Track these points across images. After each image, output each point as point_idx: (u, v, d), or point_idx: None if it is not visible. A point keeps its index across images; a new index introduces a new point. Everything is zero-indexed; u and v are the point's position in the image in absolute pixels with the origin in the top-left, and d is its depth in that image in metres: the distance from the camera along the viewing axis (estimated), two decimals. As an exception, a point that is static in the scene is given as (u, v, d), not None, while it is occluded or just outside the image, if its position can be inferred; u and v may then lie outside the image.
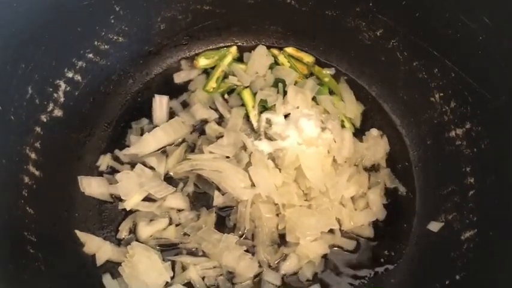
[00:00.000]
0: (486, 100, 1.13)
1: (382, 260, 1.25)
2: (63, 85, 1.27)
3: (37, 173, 1.20)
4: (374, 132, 1.39)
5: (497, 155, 1.10)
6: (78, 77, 1.31)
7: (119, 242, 1.26)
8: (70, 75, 1.29)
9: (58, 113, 1.27)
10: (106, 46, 1.35)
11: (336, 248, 1.25)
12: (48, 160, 1.24)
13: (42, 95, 1.22)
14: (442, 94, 1.28)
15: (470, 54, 1.15)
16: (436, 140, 1.31)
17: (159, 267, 1.18)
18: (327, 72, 1.49)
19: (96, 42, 1.32)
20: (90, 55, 1.32)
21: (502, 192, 1.06)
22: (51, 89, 1.25)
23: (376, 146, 1.36)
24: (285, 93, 1.39)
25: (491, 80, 1.11)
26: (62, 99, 1.28)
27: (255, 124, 1.37)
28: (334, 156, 1.30)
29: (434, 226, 1.22)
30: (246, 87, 1.43)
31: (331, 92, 1.45)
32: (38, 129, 1.22)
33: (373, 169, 1.36)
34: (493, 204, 1.09)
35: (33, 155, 1.20)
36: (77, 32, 1.25)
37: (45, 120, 1.24)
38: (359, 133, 1.39)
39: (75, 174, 1.30)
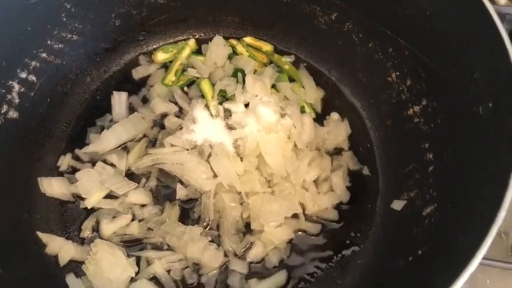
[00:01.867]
0: (438, 75, 1.13)
1: (348, 241, 1.25)
2: (16, 86, 1.25)
3: (-6, 175, 1.18)
4: (334, 116, 1.39)
5: (451, 128, 1.10)
6: (32, 78, 1.29)
7: (82, 241, 1.24)
8: (23, 75, 1.27)
9: (13, 114, 1.25)
10: (60, 45, 1.34)
11: (300, 233, 1.25)
12: (6, 163, 1.22)
13: (-6, 96, 1.20)
14: (398, 73, 1.28)
15: (420, 30, 1.15)
16: (395, 120, 1.32)
17: (123, 263, 1.17)
18: (287, 59, 1.49)
19: (49, 42, 1.31)
20: (44, 54, 1.30)
21: (458, 165, 1.07)
22: (4, 90, 1.22)
23: (337, 129, 1.36)
24: (244, 82, 1.39)
25: (441, 54, 1.12)
26: (16, 100, 1.26)
27: (214, 115, 1.36)
28: (294, 142, 1.29)
29: (398, 204, 1.22)
30: (205, 78, 1.42)
31: (291, 79, 1.45)
32: (-7, 131, 1.20)
33: (335, 153, 1.36)
34: (450, 177, 1.09)
35: (-11, 158, 1.18)
36: (27, 32, 1.23)
37: (-1, 122, 1.22)
38: (321, 118, 1.39)
39: (35, 176, 1.28)
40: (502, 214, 0.81)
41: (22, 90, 1.27)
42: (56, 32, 1.31)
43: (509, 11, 1.50)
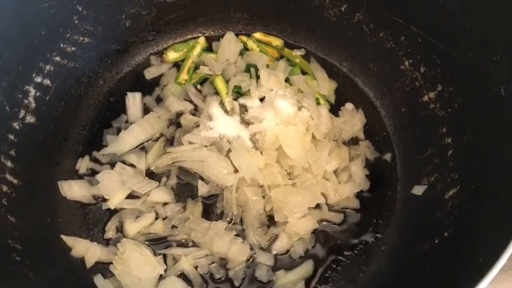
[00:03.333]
0: (454, 60, 1.15)
1: (370, 229, 1.26)
2: (32, 90, 1.25)
3: (15, 181, 1.18)
4: (349, 106, 1.41)
5: (470, 111, 1.12)
6: (47, 82, 1.29)
7: (107, 243, 1.24)
8: (39, 80, 1.27)
9: (30, 119, 1.25)
10: (73, 48, 1.34)
11: (324, 223, 1.26)
12: (25, 167, 1.22)
13: (11, 101, 1.20)
14: (411, 61, 1.30)
15: (433, 16, 1.17)
16: (410, 107, 1.34)
17: (151, 261, 1.17)
18: (297, 53, 1.50)
19: (62, 45, 1.31)
20: (57, 58, 1.31)
21: (478, 146, 1.09)
22: (20, 95, 1.22)
23: (353, 119, 1.38)
24: (257, 77, 1.40)
25: (456, 39, 1.13)
26: (33, 105, 1.26)
27: (229, 111, 1.36)
28: (312, 133, 1.30)
29: (418, 190, 1.24)
30: (218, 75, 1.42)
31: (303, 72, 1.46)
32: (12, 136, 1.20)
33: (352, 142, 1.37)
34: (471, 159, 1.11)
35: (9, 163, 1.17)
36: (41, 35, 1.24)
37: (17, 127, 1.22)
38: (335, 109, 1.41)
39: (55, 180, 1.28)
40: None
41: (38, 94, 1.27)
42: (68, 35, 1.31)
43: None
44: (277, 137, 1.27)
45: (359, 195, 1.29)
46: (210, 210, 1.27)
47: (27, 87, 1.24)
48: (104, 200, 1.26)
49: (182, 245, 1.23)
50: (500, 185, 0.97)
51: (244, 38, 1.50)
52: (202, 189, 1.27)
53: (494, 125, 1.03)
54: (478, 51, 1.07)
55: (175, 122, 1.38)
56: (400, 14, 1.26)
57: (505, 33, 0.98)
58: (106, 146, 1.33)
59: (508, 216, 0.88)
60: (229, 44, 1.45)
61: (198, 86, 1.44)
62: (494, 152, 1.02)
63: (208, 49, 1.50)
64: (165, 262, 1.20)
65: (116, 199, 1.25)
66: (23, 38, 1.19)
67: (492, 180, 1.01)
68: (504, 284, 1.28)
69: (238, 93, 1.39)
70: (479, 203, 1.03)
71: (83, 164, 1.32)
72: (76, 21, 1.31)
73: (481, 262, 0.83)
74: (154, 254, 1.20)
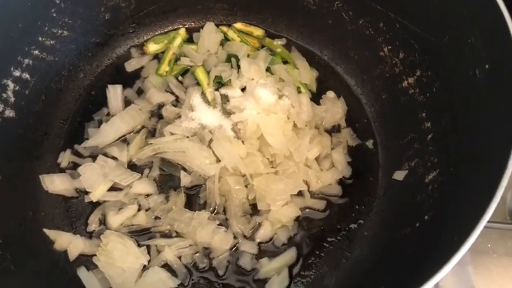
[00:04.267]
0: (431, 44, 1.16)
1: (353, 215, 1.27)
2: (11, 84, 1.24)
3: (-5, 175, 1.17)
4: (330, 94, 1.41)
5: (448, 94, 1.13)
6: (26, 75, 1.28)
7: (90, 235, 1.23)
8: (17, 74, 1.26)
9: (10, 113, 1.24)
10: (51, 41, 1.33)
11: (307, 210, 1.27)
12: (6, 162, 1.21)
13: (-10, 96, 1.19)
14: (390, 47, 1.30)
15: (410, 2, 1.18)
16: (390, 93, 1.34)
17: (135, 252, 1.17)
18: (278, 43, 1.50)
19: (40, 38, 1.29)
20: (36, 52, 1.29)
21: (456, 129, 1.10)
22: (-1, 90, 1.22)
23: (334, 107, 1.39)
24: (238, 67, 1.40)
25: (434, 23, 1.14)
26: (12, 99, 1.25)
27: (211, 101, 1.36)
28: (294, 121, 1.31)
29: (399, 175, 1.25)
30: (199, 66, 1.42)
31: (284, 62, 1.46)
32: (-9, 131, 1.19)
33: (334, 130, 1.38)
34: (449, 142, 1.11)
35: (-11, 158, 1.17)
36: (18, 29, 1.22)
37: (-3, 122, 1.21)
38: (316, 97, 1.41)
39: (37, 174, 1.27)
40: (508, 174, 0.84)
41: (17, 88, 1.26)
42: (46, 28, 1.30)
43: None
44: (258, 126, 1.27)
45: (341, 182, 1.30)
46: (193, 200, 1.27)
47: (5, 81, 1.23)
48: (87, 192, 1.25)
49: (165, 235, 1.23)
50: (478, 169, 0.98)
51: (224, 29, 1.50)
52: (185, 179, 1.27)
53: (471, 107, 1.04)
54: (453, 34, 1.08)
55: (157, 113, 1.38)
56: (378, 0, 1.26)
57: (478, 15, 0.99)
58: (87, 139, 1.33)
59: (485, 202, 0.89)
60: (210, 34, 1.45)
61: (179, 77, 1.44)
62: (471, 134, 1.03)
63: (189, 40, 1.50)
64: (149, 253, 1.20)
65: (98, 192, 1.24)
66: (-1, 31, 1.18)
67: (470, 165, 1.02)
68: (490, 268, 1.30)
69: (219, 83, 1.39)
70: (457, 187, 1.04)
71: (65, 158, 1.32)
72: (54, 14, 1.30)
73: (456, 240, 0.83)
74: (138, 245, 1.20)
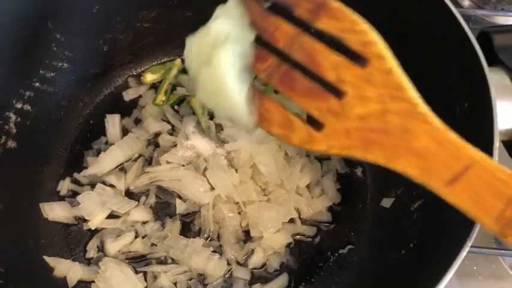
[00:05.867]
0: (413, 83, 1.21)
1: (343, 241, 1.31)
2: (13, 116, 1.29)
3: (-2, 205, 1.22)
4: (320, 123, 1.46)
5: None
6: (27, 107, 1.33)
7: (88, 262, 1.27)
8: (19, 105, 1.31)
9: (11, 144, 1.29)
10: (52, 73, 1.38)
11: (298, 236, 1.31)
12: (7, 191, 1.25)
13: (-8, 128, 1.24)
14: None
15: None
16: (378, 123, 1.39)
17: (132, 279, 1.21)
18: (271, 72, 1.55)
19: (41, 71, 1.35)
20: (37, 84, 1.35)
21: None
22: (1, 122, 1.26)
23: (325, 135, 1.44)
24: (232, 97, 1.45)
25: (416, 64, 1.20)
26: (14, 131, 1.29)
27: (205, 130, 1.41)
28: (285, 150, 1.36)
29: (387, 202, 1.30)
30: (195, 95, 1.48)
31: (276, 92, 1.51)
32: (-7, 162, 1.24)
33: (323, 158, 1.42)
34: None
35: (-9, 188, 1.21)
36: (20, 63, 1.28)
37: (-1, 153, 1.26)
38: (307, 126, 1.46)
39: (37, 202, 1.31)
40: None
41: (18, 120, 1.31)
42: (47, 61, 1.35)
43: (474, 12, 1.61)
44: (251, 155, 1.32)
45: (331, 209, 1.35)
46: (188, 227, 1.31)
47: (7, 113, 1.28)
48: (85, 220, 1.30)
49: (161, 262, 1.27)
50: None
51: (219, 59, 1.55)
52: (180, 207, 1.31)
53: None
54: (433, 75, 1.13)
55: (153, 142, 1.43)
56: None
57: (456, 59, 1.05)
58: (86, 167, 1.37)
59: (467, 229, 0.94)
60: (204, 65, 1.50)
61: (176, 107, 1.49)
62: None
63: (185, 70, 1.55)
64: (145, 279, 1.24)
65: (96, 219, 1.29)
66: (3, 66, 1.23)
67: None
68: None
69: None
70: (441, 216, 1.09)
71: (64, 186, 1.36)
72: (55, 48, 1.35)
73: (440, 269, 0.88)
74: (135, 272, 1.24)
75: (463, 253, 0.89)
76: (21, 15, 1.23)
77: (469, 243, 0.90)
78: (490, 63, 1.04)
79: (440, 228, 1.06)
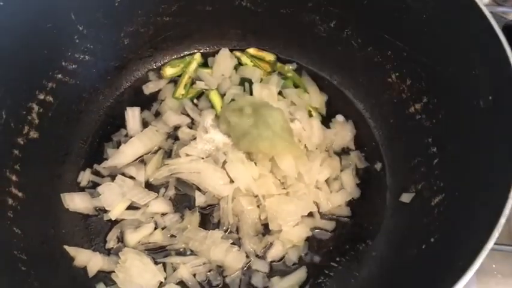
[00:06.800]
0: (437, 73, 1.21)
1: (361, 235, 1.31)
2: (36, 107, 1.30)
3: (20, 194, 1.22)
4: (339, 118, 1.47)
5: (453, 122, 1.18)
6: (50, 98, 1.35)
7: (108, 252, 1.29)
8: (42, 97, 1.32)
9: (34, 134, 1.30)
10: (74, 66, 1.39)
11: (317, 230, 1.31)
12: (29, 181, 1.27)
13: (16, 118, 1.25)
14: (397, 74, 1.36)
15: (418, 33, 1.23)
16: (398, 118, 1.39)
17: (152, 269, 1.22)
18: (289, 67, 1.56)
19: (63, 63, 1.36)
20: (59, 76, 1.36)
21: (462, 156, 1.14)
22: (24, 112, 1.28)
23: (343, 130, 1.44)
24: (251, 91, 1.45)
25: (439, 54, 1.19)
26: (36, 121, 1.31)
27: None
28: (305, 144, 1.36)
29: (406, 197, 1.29)
30: (214, 89, 1.48)
31: (295, 86, 1.52)
32: (16, 152, 1.24)
33: (343, 152, 1.43)
34: (455, 168, 1.16)
35: (14, 177, 1.22)
36: (43, 55, 1.29)
37: (22, 142, 1.26)
38: (326, 121, 1.46)
39: (58, 192, 1.33)
40: (510, 202, 0.88)
41: (41, 111, 1.32)
42: (69, 54, 1.37)
43: (494, 9, 1.60)
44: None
45: (350, 203, 1.35)
46: (207, 219, 1.32)
47: (30, 104, 1.29)
48: (105, 211, 1.31)
49: (181, 253, 1.28)
50: (483, 194, 1.02)
51: (238, 53, 1.56)
52: (200, 199, 1.32)
53: (474, 134, 1.09)
54: (458, 65, 1.13)
55: (173, 135, 1.44)
56: (386, 30, 1.32)
57: (482, 52, 1.04)
58: (107, 159, 1.39)
59: (490, 226, 0.93)
60: (224, 59, 1.51)
61: (195, 100, 1.50)
62: (475, 160, 1.08)
63: (204, 64, 1.56)
64: (165, 270, 1.25)
65: (116, 210, 1.30)
66: (27, 58, 1.24)
67: (475, 189, 1.06)
68: (491, 286, 1.34)
69: (233, 106, 1.45)
70: (463, 211, 1.08)
71: (85, 177, 1.38)
72: (77, 41, 1.37)
73: (461, 265, 0.88)
74: (155, 263, 1.25)
75: (486, 250, 0.88)
76: (45, 6, 1.24)
77: (492, 241, 0.89)
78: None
79: (462, 223, 1.06)
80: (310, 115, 1.44)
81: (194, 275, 1.25)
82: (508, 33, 1.10)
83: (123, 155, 1.37)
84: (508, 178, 0.91)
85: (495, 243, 1.24)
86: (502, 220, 0.87)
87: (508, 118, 0.97)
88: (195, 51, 1.58)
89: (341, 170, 1.38)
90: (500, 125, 1.00)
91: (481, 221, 0.96)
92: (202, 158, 1.36)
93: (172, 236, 1.29)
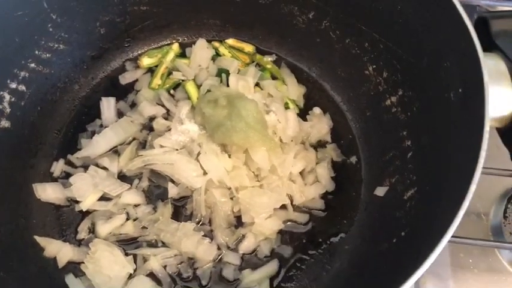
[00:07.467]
0: (411, 65, 1.20)
1: (335, 229, 1.31)
2: (7, 96, 1.29)
3: (-11, 184, 1.22)
4: (317, 110, 1.45)
5: (427, 115, 1.17)
6: (22, 87, 1.33)
7: (79, 243, 1.27)
8: (14, 86, 1.30)
9: (5, 124, 1.29)
10: (47, 54, 1.38)
11: (290, 223, 1.30)
12: (0, 171, 1.26)
13: (-14, 107, 1.24)
14: (374, 66, 1.34)
15: (393, 24, 1.22)
16: (374, 111, 1.38)
17: (121, 261, 1.21)
18: (268, 59, 1.54)
19: (36, 52, 1.34)
20: (32, 65, 1.34)
21: (434, 150, 1.13)
22: (-5, 101, 1.27)
23: (320, 123, 1.43)
24: (228, 82, 1.44)
25: (413, 46, 1.18)
26: (8, 110, 1.29)
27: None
28: (280, 137, 1.35)
29: (380, 191, 1.29)
30: (190, 80, 1.47)
31: (274, 77, 1.50)
32: (-14, 141, 1.24)
33: (319, 145, 1.42)
34: (427, 161, 1.15)
35: (-17, 167, 1.21)
36: (15, 43, 1.27)
37: (-8, 132, 1.26)
38: (303, 113, 1.45)
39: (30, 183, 1.31)
40: (472, 189, 0.87)
41: (13, 100, 1.30)
42: (43, 42, 1.35)
43: (478, 2, 1.58)
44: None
45: (324, 197, 1.34)
46: (180, 211, 1.31)
47: (1, 93, 1.27)
48: (77, 202, 1.29)
49: (152, 245, 1.27)
50: (451, 187, 1.01)
51: (216, 44, 1.54)
52: (172, 191, 1.31)
53: (445, 128, 1.08)
54: (430, 57, 1.12)
55: (148, 126, 1.42)
56: (363, 21, 1.30)
57: (453, 43, 1.03)
58: (81, 149, 1.37)
59: (452, 216, 0.92)
60: (201, 49, 1.50)
61: (171, 91, 1.48)
62: (445, 154, 1.07)
63: (182, 55, 1.54)
64: (135, 262, 1.24)
65: (88, 201, 1.28)
66: (-4, 46, 1.23)
67: (445, 183, 1.05)
68: (471, 284, 1.33)
69: (208, 97, 1.43)
70: (432, 204, 1.07)
71: (58, 167, 1.36)
72: (50, 29, 1.35)
73: (423, 256, 0.87)
74: (125, 254, 1.24)
75: (445, 241, 0.87)
76: (16, -6, 1.23)
77: (450, 233, 0.88)
78: (487, 49, 1.02)
79: (431, 216, 1.05)
80: (288, 107, 1.43)
81: (165, 267, 1.24)
82: (482, 25, 1.10)
83: (96, 146, 1.35)
84: (472, 170, 0.90)
85: (470, 238, 1.25)
86: (461, 213, 0.85)
87: (476, 111, 0.96)
88: (173, 41, 1.57)
89: (317, 163, 1.37)
90: (469, 117, 0.98)
91: (446, 213, 0.95)
92: (177, 150, 1.34)
93: (143, 227, 1.28)
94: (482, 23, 1.09)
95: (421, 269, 0.84)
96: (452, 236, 0.87)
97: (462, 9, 1.00)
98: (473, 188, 0.86)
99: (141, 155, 1.34)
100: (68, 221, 1.30)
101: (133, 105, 1.46)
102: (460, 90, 1.01)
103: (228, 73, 1.46)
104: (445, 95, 1.06)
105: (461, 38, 0.99)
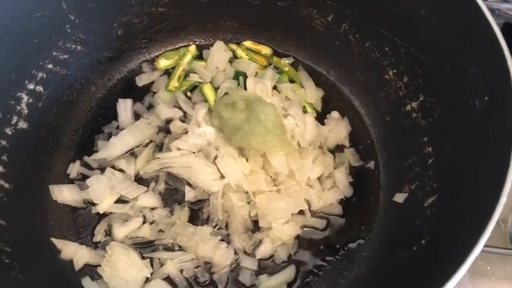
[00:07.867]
0: (434, 71, 1.18)
1: (353, 235, 1.29)
2: (25, 97, 1.29)
3: (6, 185, 1.21)
4: (335, 114, 1.44)
5: (449, 121, 1.15)
6: (40, 88, 1.33)
7: (95, 246, 1.27)
8: (31, 87, 1.30)
9: (23, 125, 1.29)
10: (65, 55, 1.37)
11: (307, 228, 1.29)
12: (17, 172, 1.25)
13: (4, 108, 1.23)
14: (395, 71, 1.33)
15: (416, 29, 1.20)
16: (394, 116, 1.37)
17: (138, 264, 1.20)
18: (286, 61, 1.53)
19: (54, 53, 1.34)
20: (50, 65, 1.34)
21: (457, 157, 1.11)
22: (13, 102, 1.26)
23: (338, 127, 1.41)
24: (246, 85, 1.43)
25: (436, 52, 1.17)
26: (25, 111, 1.29)
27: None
28: (298, 141, 1.34)
29: (400, 197, 1.27)
30: (207, 83, 1.46)
31: (291, 81, 1.49)
32: (4, 142, 1.23)
33: (337, 150, 1.40)
34: (449, 169, 1.13)
35: (0, 168, 1.21)
36: (33, 44, 1.27)
37: (10, 133, 1.25)
38: (321, 117, 1.44)
39: (46, 184, 1.31)
40: (503, 201, 0.85)
41: (30, 101, 1.30)
42: (61, 43, 1.35)
43: (499, 6, 1.56)
44: (262, 145, 1.30)
45: (342, 202, 1.33)
46: (197, 215, 1.30)
47: (19, 94, 1.27)
48: (94, 204, 1.29)
49: (168, 249, 1.26)
50: (476, 196, 1.00)
51: (234, 46, 1.53)
52: (189, 194, 1.30)
53: (469, 135, 1.06)
54: (455, 64, 1.10)
55: (164, 128, 1.42)
56: (384, 25, 1.29)
57: (479, 50, 1.01)
58: (97, 151, 1.36)
59: (481, 227, 0.91)
60: (219, 52, 1.49)
61: (188, 93, 1.48)
62: (469, 162, 1.05)
63: (199, 57, 1.53)
64: (152, 265, 1.23)
65: (105, 203, 1.28)
66: (16, 46, 1.23)
67: (468, 191, 1.04)
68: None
69: (226, 100, 1.42)
70: (455, 212, 1.06)
71: (74, 169, 1.36)
72: (68, 30, 1.34)
73: (450, 267, 0.85)
74: (142, 258, 1.23)
75: (475, 253, 0.86)
76: (36, -5, 1.22)
77: (483, 243, 0.86)
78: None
79: (454, 225, 1.03)
80: (305, 111, 1.42)
81: (181, 271, 1.23)
82: (509, 31, 1.08)
83: (113, 148, 1.35)
84: (501, 181, 0.88)
85: (489, 246, 1.22)
86: (492, 224, 0.84)
87: (503, 119, 0.94)
88: (190, 43, 1.56)
89: (334, 168, 1.36)
90: (495, 126, 0.97)
91: (474, 222, 0.94)
92: (194, 153, 1.33)
93: (160, 231, 1.27)
94: (509, 28, 1.06)
95: (451, 281, 0.82)
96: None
97: (489, 14, 0.98)
98: (503, 200, 0.84)
99: (158, 158, 1.33)
100: (84, 223, 1.30)
101: (150, 107, 1.46)
102: (485, 98, 1.00)
103: (245, 76, 1.45)
104: (470, 103, 1.05)
105: (488, 44, 0.97)
